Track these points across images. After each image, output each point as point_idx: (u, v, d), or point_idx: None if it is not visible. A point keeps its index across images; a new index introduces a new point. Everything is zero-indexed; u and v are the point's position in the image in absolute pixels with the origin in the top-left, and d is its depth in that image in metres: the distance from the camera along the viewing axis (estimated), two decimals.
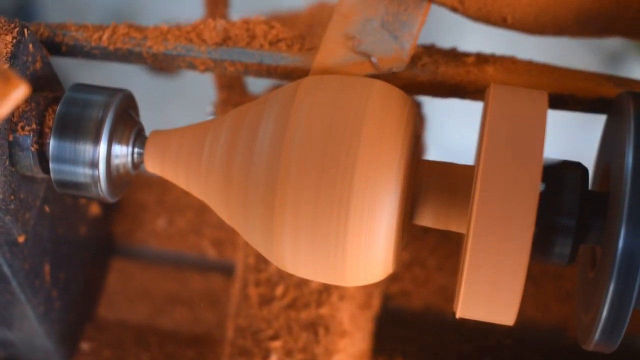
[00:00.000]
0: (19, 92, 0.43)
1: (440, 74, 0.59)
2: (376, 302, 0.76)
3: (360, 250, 0.53)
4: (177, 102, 1.47)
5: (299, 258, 0.55)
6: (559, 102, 0.58)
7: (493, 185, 0.51)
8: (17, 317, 0.72)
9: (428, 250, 0.78)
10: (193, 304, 0.88)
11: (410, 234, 0.58)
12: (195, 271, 0.86)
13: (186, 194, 0.84)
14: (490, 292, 0.52)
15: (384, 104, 0.54)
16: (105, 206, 0.80)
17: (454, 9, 0.56)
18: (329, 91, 0.54)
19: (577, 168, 0.55)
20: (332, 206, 0.52)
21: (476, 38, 1.49)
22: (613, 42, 1.57)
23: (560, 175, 0.54)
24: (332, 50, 0.58)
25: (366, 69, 0.58)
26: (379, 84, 0.55)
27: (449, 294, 0.78)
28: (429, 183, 0.56)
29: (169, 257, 0.84)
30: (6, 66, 0.53)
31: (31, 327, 0.73)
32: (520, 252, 0.50)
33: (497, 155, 0.51)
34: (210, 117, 0.72)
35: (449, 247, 0.78)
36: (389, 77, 0.59)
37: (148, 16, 1.65)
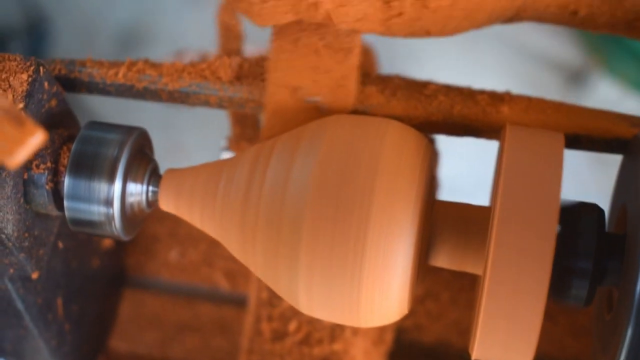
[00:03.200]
0: (35, 139, 0.43)
1: (456, 114, 0.59)
2: (389, 337, 0.75)
3: (375, 292, 0.53)
4: (190, 124, 1.47)
5: (313, 298, 0.54)
6: (575, 141, 0.58)
7: (510, 227, 0.50)
8: (30, 351, 0.72)
9: (441, 284, 0.78)
10: (204, 332, 0.88)
11: (425, 274, 0.58)
12: (208, 303, 0.85)
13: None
14: (506, 335, 0.51)
15: (399, 145, 0.54)
16: None
17: (381, 34, 0.57)
18: (344, 133, 0.54)
19: (593, 210, 0.55)
20: (348, 248, 0.52)
21: (435, 64, 1.49)
22: (575, 61, 1.58)
23: (577, 217, 0.54)
24: (279, 102, 0.58)
25: (316, 115, 0.59)
26: (395, 124, 0.55)
27: (463, 328, 0.78)
28: (445, 224, 0.56)
29: (181, 289, 0.84)
30: (21, 110, 0.53)
31: None
32: (537, 294, 0.50)
33: (514, 196, 0.51)
34: (225, 152, 0.72)
35: (463, 281, 0.78)
36: (404, 119, 0.59)
37: (157, 36, 1.66)
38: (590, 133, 0.58)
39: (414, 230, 0.53)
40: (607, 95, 1.54)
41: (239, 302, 0.83)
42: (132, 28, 1.68)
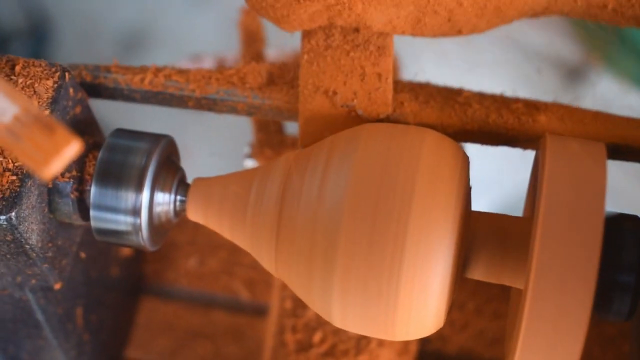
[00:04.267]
0: (71, 149, 0.41)
1: (491, 123, 0.57)
2: (413, 348, 0.74)
3: (412, 306, 0.52)
4: (194, 125, 1.46)
5: (348, 313, 0.53)
6: (614, 152, 0.57)
7: (553, 240, 0.49)
8: None
9: (467, 294, 0.77)
10: (216, 339, 0.87)
11: (460, 288, 0.56)
12: (225, 311, 0.84)
13: (218, 233, 0.83)
14: (547, 351, 0.50)
15: (437, 155, 0.52)
16: None
17: (412, 35, 0.56)
18: (379, 142, 0.53)
19: (635, 221, 0.53)
20: (384, 261, 0.51)
21: (431, 61, 1.47)
22: (574, 56, 1.56)
23: (619, 230, 0.53)
24: (314, 109, 0.57)
25: (353, 121, 0.57)
26: (431, 134, 0.54)
27: (488, 339, 0.76)
28: (482, 236, 0.54)
29: (200, 297, 0.83)
30: (55, 120, 0.51)
31: None
32: (580, 310, 0.49)
33: (557, 209, 0.49)
34: (247, 159, 0.71)
35: (488, 291, 0.77)
36: (438, 127, 0.57)
37: (161, 38, 1.65)
38: (630, 143, 0.56)
39: (452, 243, 0.51)
40: (607, 91, 1.52)
41: (259, 311, 0.82)
42: (136, 30, 1.66)
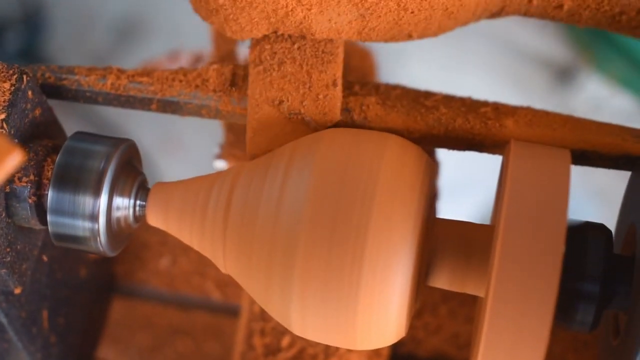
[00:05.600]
0: (13, 160, 0.40)
1: (458, 127, 0.56)
2: (385, 352, 0.73)
3: (372, 316, 0.51)
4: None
5: (307, 321, 0.52)
6: (582, 157, 0.56)
7: (514, 248, 0.48)
8: None
9: (439, 297, 0.76)
10: (197, 336, 0.86)
11: (423, 296, 0.55)
12: (197, 311, 0.83)
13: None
14: None
15: (399, 163, 0.51)
16: None
17: (360, 40, 0.55)
18: (340, 149, 0.52)
19: (600, 230, 0.52)
20: (344, 271, 0.50)
21: (418, 61, 1.46)
22: (564, 58, 1.56)
23: (583, 238, 0.52)
24: (262, 118, 0.56)
25: (302, 129, 0.56)
26: (394, 140, 0.53)
27: (461, 342, 0.75)
28: (445, 244, 0.53)
29: (172, 298, 0.82)
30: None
31: None
32: (542, 319, 0.48)
33: (518, 217, 0.48)
34: (217, 160, 0.70)
35: (462, 294, 0.75)
36: (404, 132, 0.56)
37: (155, 27, 1.64)
38: (598, 149, 0.55)
39: (412, 253, 0.50)
40: (595, 92, 1.52)
41: (231, 312, 0.81)
42: (130, 19, 1.65)
